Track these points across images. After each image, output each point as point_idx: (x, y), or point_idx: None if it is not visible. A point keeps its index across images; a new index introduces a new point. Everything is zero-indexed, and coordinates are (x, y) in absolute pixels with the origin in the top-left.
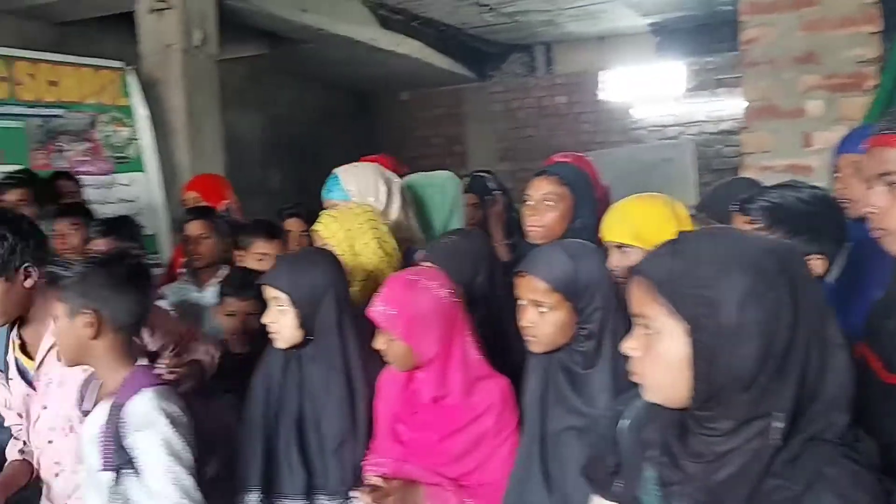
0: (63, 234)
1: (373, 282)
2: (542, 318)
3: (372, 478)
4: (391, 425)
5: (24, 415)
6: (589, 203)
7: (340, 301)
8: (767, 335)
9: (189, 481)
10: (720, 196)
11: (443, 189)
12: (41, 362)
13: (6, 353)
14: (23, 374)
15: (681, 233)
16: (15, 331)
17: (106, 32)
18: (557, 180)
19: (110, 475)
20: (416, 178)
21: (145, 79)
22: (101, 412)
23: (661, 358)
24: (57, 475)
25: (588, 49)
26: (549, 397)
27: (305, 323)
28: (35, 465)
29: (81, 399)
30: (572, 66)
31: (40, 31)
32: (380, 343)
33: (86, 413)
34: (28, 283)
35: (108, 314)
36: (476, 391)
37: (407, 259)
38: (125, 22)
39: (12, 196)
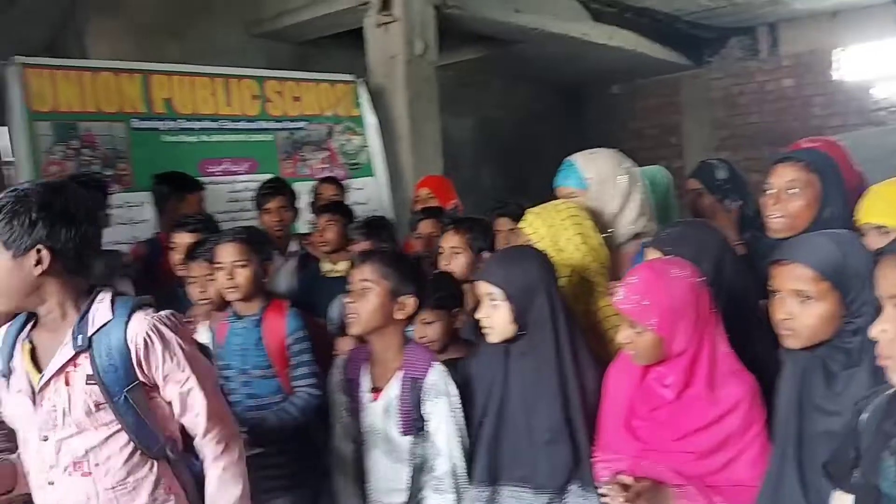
0: (322, 228)
1: (577, 277)
2: (803, 310)
3: (623, 477)
4: (625, 421)
5: (14, 431)
6: (839, 191)
7: (553, 296)
8: None
9: (465, 442)
10: None
11: (653, 183)
12: (46, 383)
13: (11, 355)
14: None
15: None
16: (26, 331)
17: (338, 48)
18: (803, 166)
19: (409, 438)
20: None
21: (373, 89)
22: (394, 387)
23: None
24: None
25: (819, 26)
26: (806, 397)
27: (519, 317)
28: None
29: None
30: (800, 45)
31: (283, 52)
32: (625, 336)
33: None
34: (38, 268)
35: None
36: (723, 387)
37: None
38: (354, 37)
39: (273, 203)
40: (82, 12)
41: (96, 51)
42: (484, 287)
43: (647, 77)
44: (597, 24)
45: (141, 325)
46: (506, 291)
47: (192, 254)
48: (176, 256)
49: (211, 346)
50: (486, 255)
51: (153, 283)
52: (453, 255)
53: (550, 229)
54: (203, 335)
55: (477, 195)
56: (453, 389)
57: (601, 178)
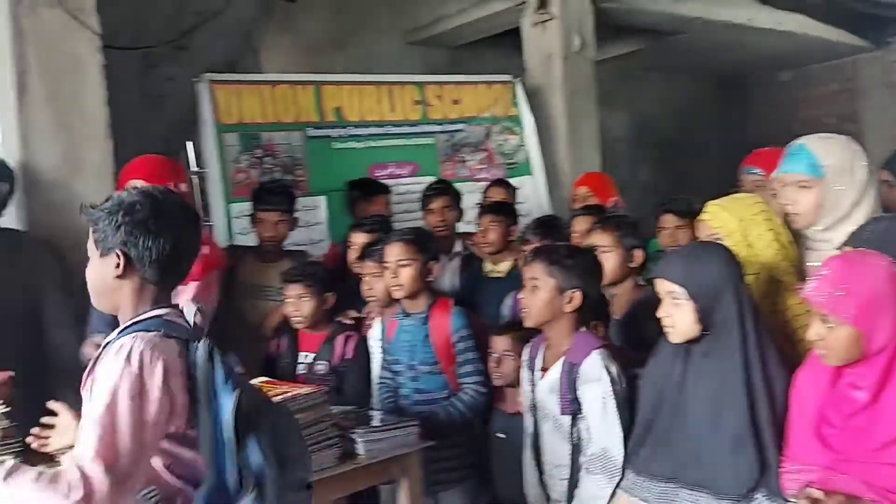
0: (485, 229)
1: (766, 275)
2: None
3: (813, 490)
4: (815, 428)
5: None
6: None
7: (741, 294)
8: None
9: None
10: None
11: None
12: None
13: None
14: None
15: None
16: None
17: (491, 50)
18: None
19: (568, 418)
20: None
21: (530, 88)
22: (556, 369)
23: None
24: None
25: None
26: None
27: (703, 317)
28: None
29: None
30: None
31: (438, 57)
32: (816, 332)
33: None
34: (116, 271)
35: (587, 293)
36: None
37: None
38: (508, 38)
39: (437, 203)
40: (258, 33)
41: (270, 66)
42: (665, 285)
43: (818, 62)
44: (763, 8)
45: (119, 341)
46: (689, 289)
47: (364, 253)
48: (352, 255)
49: (381, 342)
50: (637, 253)
51: (344, 280)
52: (602, 255)
53: (741, 223)
54: (376, 330)
55: (634, 192)
56: (608, 377)
57: (840, 167)
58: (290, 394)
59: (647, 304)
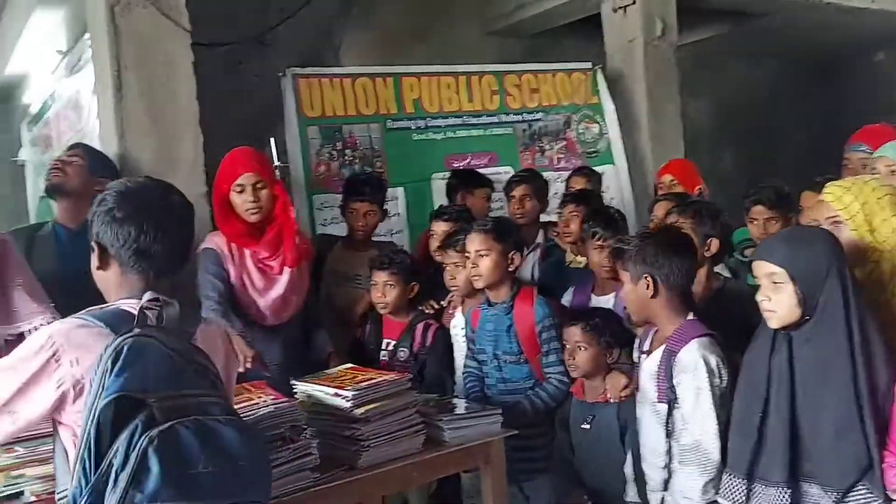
0: (567, 219)
1: (888, 264)
2: None
3: None
4: None
5: None
6: None
7: (845, 279)
8: None
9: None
10: None
11: None
12: None
13: None
14: None
15: None
16: None
17: (568, 38)
18: None
19: (664, 405)
20: None
21: (610, 75)
22: (657, 355)
23: None
24: None
25: None
26: None
27: (805, 301)
28: None
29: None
30: None
31: (515, 46)
32: None
33: None
34: (94, 261)
35: (661, 277)
36: None
37: None
38: (586, 25)
39: (517, 191)
40: (339, 27)
41: (348, 60)
42: (765, 267)
43: None
44: None
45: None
46: (791, 271)
47: (445, 243)
48: (433, 244)
49: (466, 332)
50: (713, 242)
51: (428, 267)
52: None
53: (864, 206)
54: (458, 320)
55: (717, 180)
56: (704, 368)
57: None
58: (375, 380)
59: (725, 295)
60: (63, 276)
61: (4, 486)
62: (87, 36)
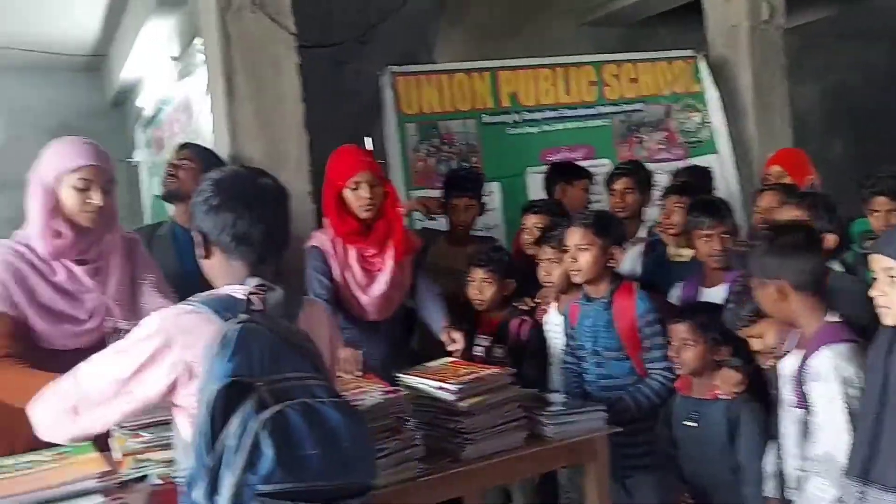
0: (670, 210)
1: None
2: None
3: None
4: None
5: None
6: None
7: None
8: None
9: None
10: None
11: None
12: None
13: None
14: None
15: None
16: None
17: (665, 26)
18: None
19: (801, 411)
20: None
21: (713, 62)
22: (796, 357)
23: None
24: None
25: None
26: None
27: None
28: None
29: None
30: None
31: (611, 36)
32: None
33: None
34: (199, 251)
35: (791, 280)
36: None
37: None
38: (684, 12)
39: (618, 185)
40: (433, 25)
41: (443, 57)
42: (882, 261)
43: None
44: None
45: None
46: None
47: (542, 238)
48: (524, 236)
49: (563, 328)
50: (829, 237)
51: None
52: None
53: None
54: (553, 316)
55: (827, 169)
56: (836, 378)
57: None
58: (478, 374)
59: (840, 294)
60: (181, 274)
61: (131, 469)
62: (197, 41)
